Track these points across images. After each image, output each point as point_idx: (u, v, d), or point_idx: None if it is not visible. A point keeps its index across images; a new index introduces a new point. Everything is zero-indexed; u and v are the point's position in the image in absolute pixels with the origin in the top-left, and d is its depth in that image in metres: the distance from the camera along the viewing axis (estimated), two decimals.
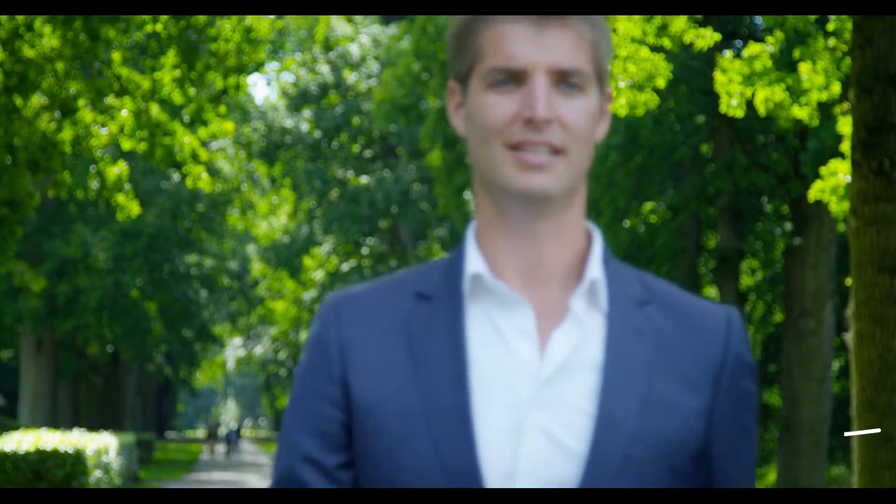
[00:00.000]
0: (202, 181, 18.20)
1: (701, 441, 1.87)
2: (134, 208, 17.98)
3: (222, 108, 17.40)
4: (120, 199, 17.90)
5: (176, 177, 41.72)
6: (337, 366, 1.91)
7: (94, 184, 17.90)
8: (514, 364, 1.84)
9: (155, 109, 17.16)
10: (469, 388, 1.83)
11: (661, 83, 14.06)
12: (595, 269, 1.89)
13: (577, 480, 1.80)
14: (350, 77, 40.91)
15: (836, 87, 12.24)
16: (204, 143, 36.98)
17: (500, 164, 1.87)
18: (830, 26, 12.33)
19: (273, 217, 50.74)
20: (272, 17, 18.90)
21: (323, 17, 41.55)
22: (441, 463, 1.81)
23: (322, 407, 1.91)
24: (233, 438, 62.32)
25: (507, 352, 1.85)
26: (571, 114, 1.85)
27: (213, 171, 42.34)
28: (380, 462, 1.86)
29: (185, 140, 17.39)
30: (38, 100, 16.88)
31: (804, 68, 12.19)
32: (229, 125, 17.69)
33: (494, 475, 1.81)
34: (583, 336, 1.86)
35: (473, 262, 1.89)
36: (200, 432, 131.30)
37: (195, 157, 17.69)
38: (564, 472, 1.80)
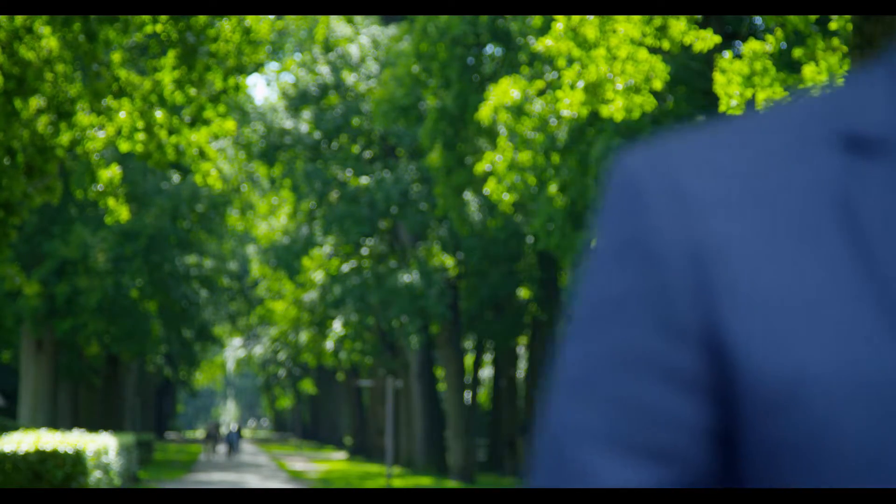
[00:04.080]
0: (211, 177, 18.22)
1: None
2: (123, 213, 17.99)
3: (221, 108, 17.39)
4: (110, 202, 17.91)
5: (176, 177, 41.71)
6: (690, 302, 0.89)
7: (93, 186, 17.92)
8: None
9: (160, 111, 17.15)
10: None
11: (658, 85, 14.05)
12: None
13: None
14: (350, 78, 40.91)
15: None
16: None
17: None
18: (833, 25, 12.32)
19: (273, 218, 50.74)
20: (272, 17, 18.90)
21: (323, 18, 41.54)
22: None
23: (654, 391, 0.89)
24: (234, 440, 62.27)
25: None
26: None
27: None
28: None
29: (192, 138, 17.40)
30: (36, 102, 16.88)
31: (808, 70, 12.18)
32: (231, 124, 17.70)
33: None
34: None
35: None
36: (200, 433, 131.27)
37: (203, 155, 17.70)
38: None
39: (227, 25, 17.13)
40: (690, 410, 0.88)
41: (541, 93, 24.36)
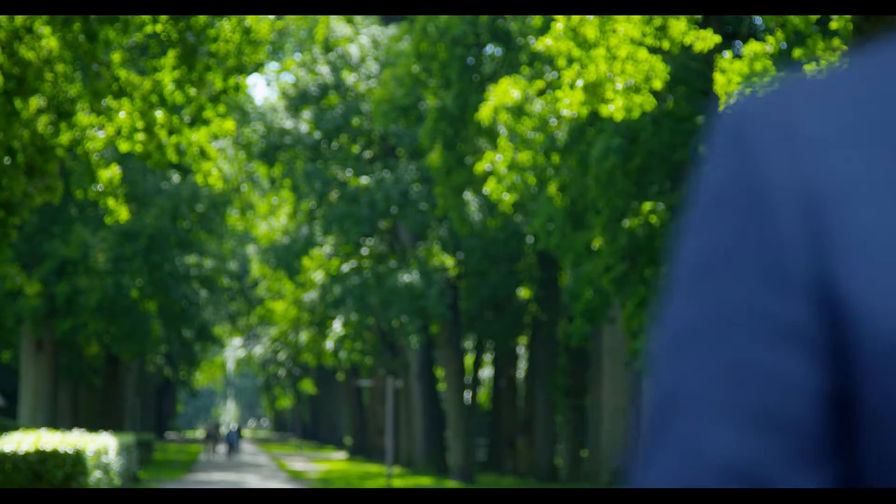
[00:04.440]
0: (212, 177, 18.20)
1: None
2: (123, 213, 17.99)
3: (221, 108, 17.38)
4: (110, 202, 17.90)
5: (176, 177, 41.71)
6: (802, 252, 0.83)
7: (93, 186, 17.91)
8: None
9: (160, 111, 17.14)
10: None
11: (657, 85, 14.05)
12: None
13: None
14: (350, 78, 40.91)
15: None
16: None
17: None
18: (833, 25, 12.32)
19: (273, 218, 50.74)
20: (272, 17, 18.89)
21: (322, 18, 41.54)
22: None
23: (764, 351, 0.82)
24: (233, 439, 62.25)
25: None
26: None
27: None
28: None
29: (193, 138, 17.39)
30: (36, 102, 16.88)
31: (808, 70, 12.19)
32: (230, 124, 17.69)
33: None
34: None
35: None
36: (200, 433, 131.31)
37: (204, 155, 17.69)
38: None
39: (227, 25, 17.13)
40: (804, 371, 0.81)
41: (541, 93, 24.37)
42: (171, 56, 17.09)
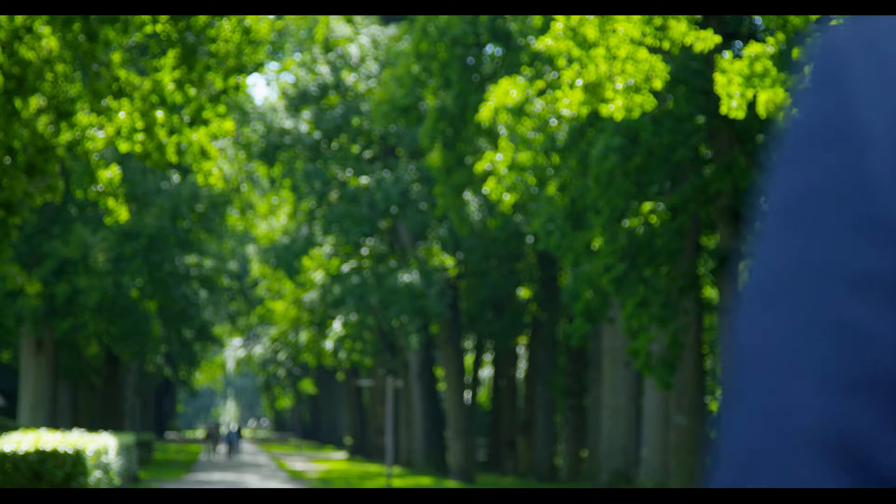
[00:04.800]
0: (213, 177, 18.20)
1: None
2: (122, 213, 17.99)
3: (221, 108, 17.37)
4: (110, 202, 17.90)
5: (176, 177, 41.71)
6: (888, 190, 0.76)
7: (92, 186, 17.91)
8: None
9: (161, 111, 17.13)
10: None
11: (658, 85, 14.05)
12: None
13: None
14: (349, 78, 40.90)
15: None
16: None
17: None
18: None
19: (273, 218, 50.73)
20: (272, 17, 18.89)
21: (322, 18, 41.53)
22: None
23: (855, 304, 0.75)
24: (233, 439, 62.26)
25: None
26: None
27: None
28: None
29: (194, 137, 17.38)
30: (37, 101, 16.87)
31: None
32: (229, 124, 17.68)
33: None
34: None
35: None
36: (200, 433, 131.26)
37: (204, 154, 17.68)
38: None
39: (227, 25, 17.12)
40: (890, 329, 0.72)
41: (541, 93, 24.37)
42: (171, 56, 17.09)
